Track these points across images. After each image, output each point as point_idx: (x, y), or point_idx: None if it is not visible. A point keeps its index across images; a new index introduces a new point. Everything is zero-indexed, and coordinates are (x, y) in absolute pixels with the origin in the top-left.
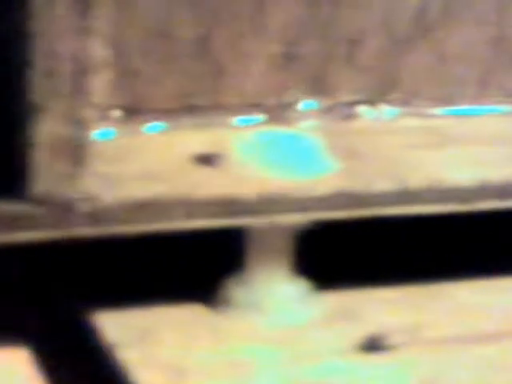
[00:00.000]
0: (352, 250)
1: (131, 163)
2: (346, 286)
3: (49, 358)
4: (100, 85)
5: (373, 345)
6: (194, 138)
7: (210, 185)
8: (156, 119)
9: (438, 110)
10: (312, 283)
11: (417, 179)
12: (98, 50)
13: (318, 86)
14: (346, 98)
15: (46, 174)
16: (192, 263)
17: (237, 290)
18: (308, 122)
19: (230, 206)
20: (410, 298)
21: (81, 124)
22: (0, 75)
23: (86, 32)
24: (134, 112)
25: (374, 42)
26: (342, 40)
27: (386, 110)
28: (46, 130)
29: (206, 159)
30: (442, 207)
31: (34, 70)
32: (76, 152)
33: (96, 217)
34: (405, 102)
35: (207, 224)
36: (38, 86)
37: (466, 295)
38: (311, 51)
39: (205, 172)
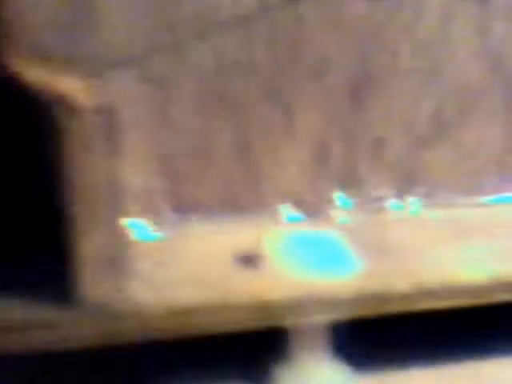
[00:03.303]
0: (384, 336)
1: (176, 267)
2: (380, 368)
3: None
4: (147, 194)
5: None
6: (236, 239)
7: (249, 289)
8: (202, 220)
9: (459, 201)
10: (349, 367)
11: (432, 279)
12: (132, 175)
13: (349, 183)
14: (375, 193)
15: (90, 283)
16: (243, 353)
17: (284, 376)
18: (342, 217)
19: (267, 309)
20: (441, 377)
21: (121, 240)
22: (47, 206)
23: (116, 165)
24: (181, 214)
25: (396, 141)
26: (368, 140)
27: (411, 202)
28: (88, 248)
29: (247, 260)
30: (454, 303)
31: (74, 203)
32: (119, 262)
33: (140, 323)
34: (428, 195)
35: (247, 326)
36: (79, 214)
37: (495, 373)
38: (340, 153)
39: (245, 274)
